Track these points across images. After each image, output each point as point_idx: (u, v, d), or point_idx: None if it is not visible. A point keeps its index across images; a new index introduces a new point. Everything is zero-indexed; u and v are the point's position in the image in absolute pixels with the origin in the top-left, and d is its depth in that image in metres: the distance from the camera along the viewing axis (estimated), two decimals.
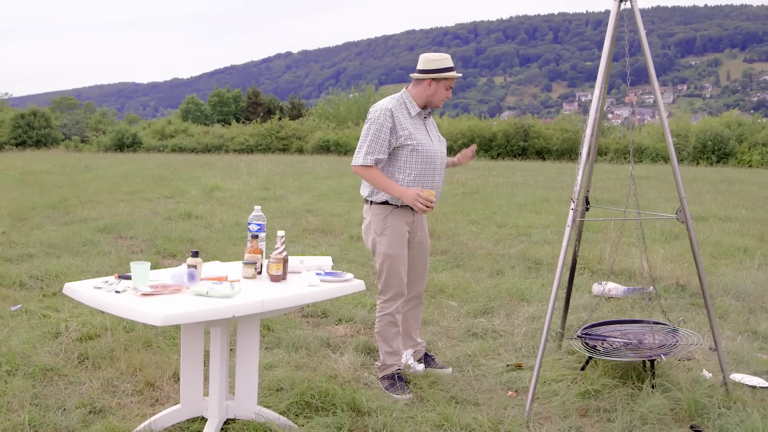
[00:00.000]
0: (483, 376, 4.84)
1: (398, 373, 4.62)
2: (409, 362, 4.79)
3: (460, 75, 4.64)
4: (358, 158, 4.48)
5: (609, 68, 4.48)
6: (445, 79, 4.55)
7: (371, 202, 4.60)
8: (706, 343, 5.00)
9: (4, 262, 8.02)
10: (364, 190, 4.67)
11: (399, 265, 4.59)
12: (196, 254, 3.68)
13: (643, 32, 4.35)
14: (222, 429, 3.80)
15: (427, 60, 4.57)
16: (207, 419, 3.80)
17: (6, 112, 56.58)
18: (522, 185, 19.03)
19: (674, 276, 7.48)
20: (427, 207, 4.42)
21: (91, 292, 3.45)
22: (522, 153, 37.58)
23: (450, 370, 4.88)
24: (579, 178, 4.30)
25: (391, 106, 4.48)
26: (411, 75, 4.63)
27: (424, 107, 4.62)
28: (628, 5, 4.37)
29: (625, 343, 4.74)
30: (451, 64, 4.58)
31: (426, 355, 4.99)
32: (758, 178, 23.31)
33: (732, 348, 5.41)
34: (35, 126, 51.19)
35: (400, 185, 4.46)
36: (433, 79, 4.53)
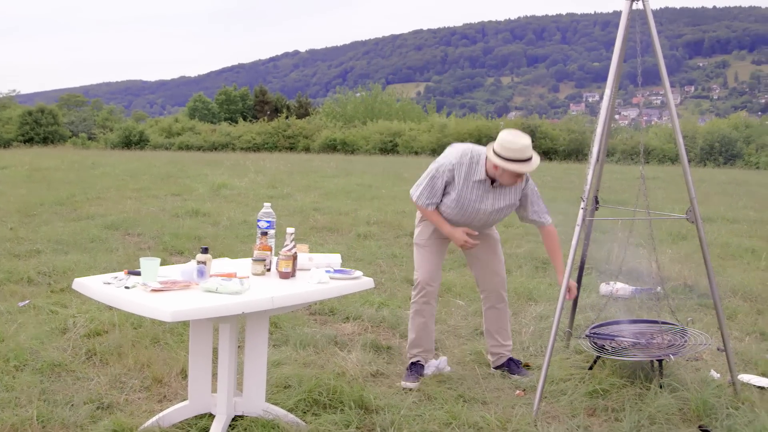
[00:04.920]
0: (491, 375, 4.83)
1: (413, 362, 4.77)
2: (428, 369, 4.81)
3: (523, 171, 4.36)
4: (420, 199, 4.64)
5: (620, 68, 4.47)
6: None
7: None
8: (714, 343, 4.99)
9: (12, 258, 8.04)
10: None
11: (423, 255, 4.76)
12: (205, 251, 3.69)
13: (655, 33, 4.33)
14: (230, 426, 3.80)
15: (501, 141, 4.38)
16: (215, 416, 3.80)
17: (14, 109, 56.65)
18: None
19: (682, 276, 7.46)
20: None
21: (100, 287, 3.46)
22: None
23: (527, 378, 4.77)
24: (589, 177, 4.29)
25: (455, 162, 4.53)
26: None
27: (493, 179, 4.54)
28: (639, 5, 4.36)
29: (633, 342, 4.73)
30: (519, 155, 4.32)
31: (510, 360, 4.93)
32: (766, 180, 23.26)
33: (740, 349, 5.40)
34: (43, 123, 51.25)
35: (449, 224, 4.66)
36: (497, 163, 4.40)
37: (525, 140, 4.35)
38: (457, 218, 4.64)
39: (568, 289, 4.57)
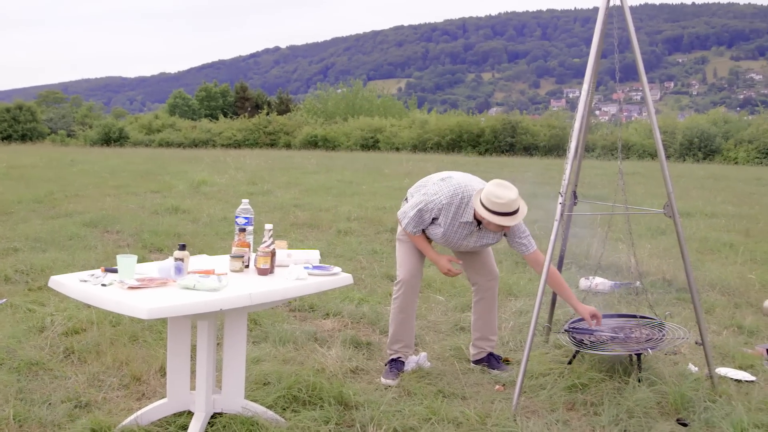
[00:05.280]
0: (470, 370, 4.85)
1: (393, 359, 4.76)
2: (408, 365, 4.81)
3: (509, 225, 4.37)
4: (408, 227, 4.62)
5: (597, 64, 4.48)
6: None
7: None
8: (692, 337, 5.02)
9: None
10: None
11: (405, 251, 4.77)
12: (183, 247, 3.67)
13: (632, 29, 4.34)
14: (209, 423, 3.78)
15: (488, 194, 4.37)
16: (194, 413, 3.78)
17: None
18: (509, 181, 19.01)
19: (661, 271, 7.51)
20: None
21: (77, 285, 3.43)
22: (510, 149, 37.60)
23: (506, 374, 4.79)
24: (567, 172, 4.30)
25: (445, 203, 4.50)
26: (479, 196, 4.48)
27: (479, 222, 4.54)
28: (617, 2, 4.37)
29: (611, 337, 4.76)
30: (505, 209, 4.32)
31: (490, 355, 4.94)
32: (744, 175, 23.43)
33: (718, 342, 5.44)
34: (21, 120, 50.85)
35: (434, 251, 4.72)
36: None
37: (512, 194, 4.34)
38: (442, 244, 4.73)
39: (593, 317, 4.59)
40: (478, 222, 4.52)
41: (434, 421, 3.91)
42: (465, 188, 4.53)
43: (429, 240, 4.75)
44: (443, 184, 4.58)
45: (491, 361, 4.89)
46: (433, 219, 4.57)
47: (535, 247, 4.59)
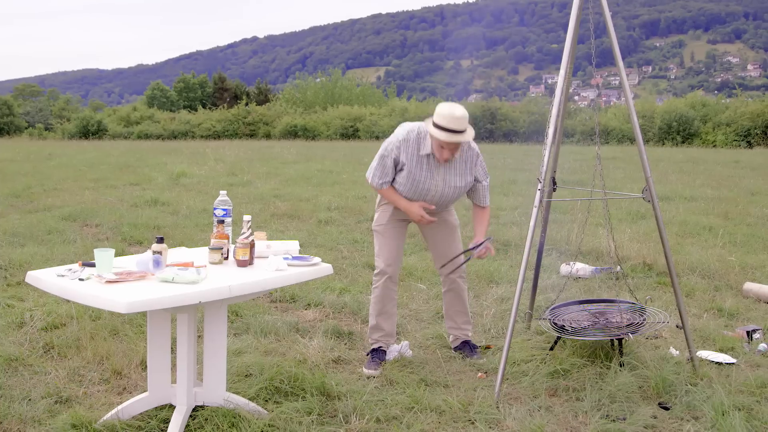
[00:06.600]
0: (452, 358, 4.85)
1: (374, 348, 4.76)
2: (390, 354, 4.80)
3: (454, 141, 4.38)
4: (374, 180, 4.67)
5: (574, 50, 4.48)
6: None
7: None
8: (672, 321, 5.05)
9: None
10: None
11: (382, 241, 4.77)
12: (161, 240, 3.64)
13: (608, 14, 4.35)
14: (190, 416, 3.76)
15: (438, 113, 4.40)
16: (175, 407, 3.76)
17: None
18: (490, 168, 19.02)
19: (641, 255, 7.54)
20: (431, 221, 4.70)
21: (54, 279, 3.40)
22: (489, 136, 37.64)
23: (482, 361, 4.79)
24: (545, 158, 4.30)
25: (401, 140, 4.55)
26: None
27: None
28: None
29: (593, 322, 4.77)
30: (454, 125, 4.35)
31: (465, 342, 4.95)
32: (722, 158, 23.57)
33: (698, 325, 5.47)
34: None
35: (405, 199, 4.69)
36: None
37: (460, 111, 4.39)
38: (410, 195, 4.66)
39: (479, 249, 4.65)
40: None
41: (417, 410, 3.92)
42: (420, 125, 4.61)
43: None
44: (398, 129, 4.67)
45: (466, 348, 4.90)
46: (397, 165, 4.57)
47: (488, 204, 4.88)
